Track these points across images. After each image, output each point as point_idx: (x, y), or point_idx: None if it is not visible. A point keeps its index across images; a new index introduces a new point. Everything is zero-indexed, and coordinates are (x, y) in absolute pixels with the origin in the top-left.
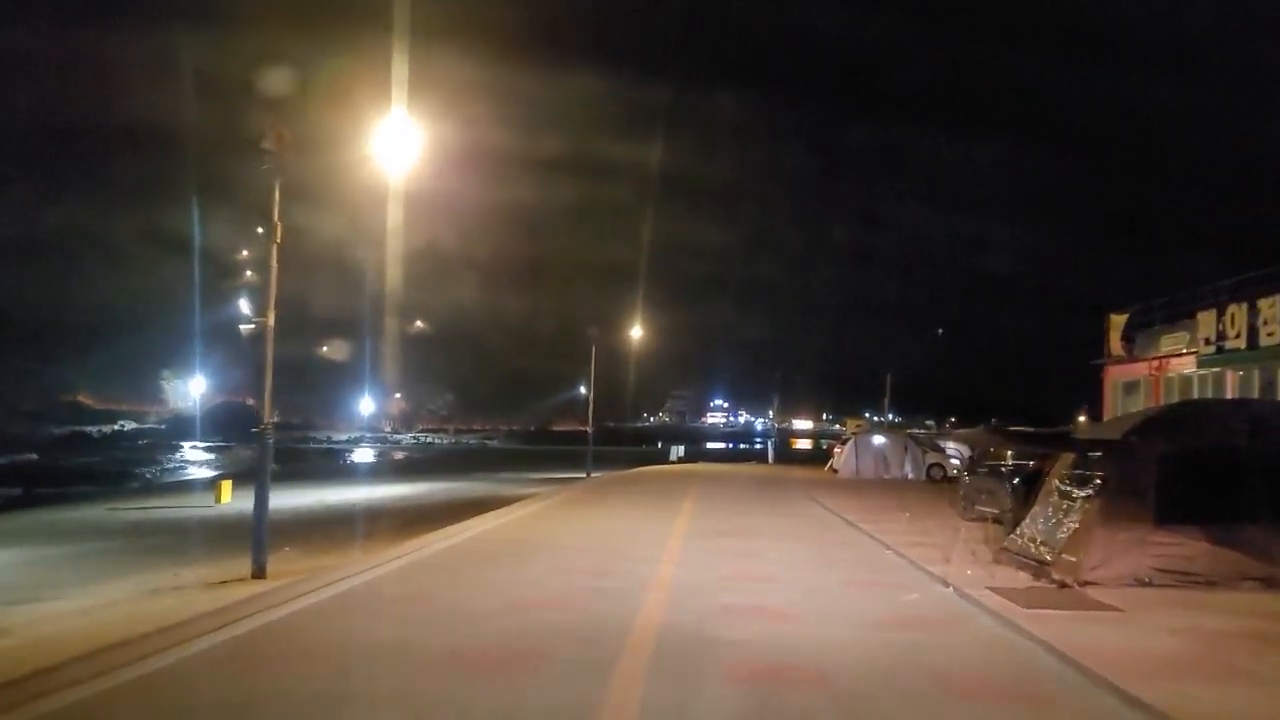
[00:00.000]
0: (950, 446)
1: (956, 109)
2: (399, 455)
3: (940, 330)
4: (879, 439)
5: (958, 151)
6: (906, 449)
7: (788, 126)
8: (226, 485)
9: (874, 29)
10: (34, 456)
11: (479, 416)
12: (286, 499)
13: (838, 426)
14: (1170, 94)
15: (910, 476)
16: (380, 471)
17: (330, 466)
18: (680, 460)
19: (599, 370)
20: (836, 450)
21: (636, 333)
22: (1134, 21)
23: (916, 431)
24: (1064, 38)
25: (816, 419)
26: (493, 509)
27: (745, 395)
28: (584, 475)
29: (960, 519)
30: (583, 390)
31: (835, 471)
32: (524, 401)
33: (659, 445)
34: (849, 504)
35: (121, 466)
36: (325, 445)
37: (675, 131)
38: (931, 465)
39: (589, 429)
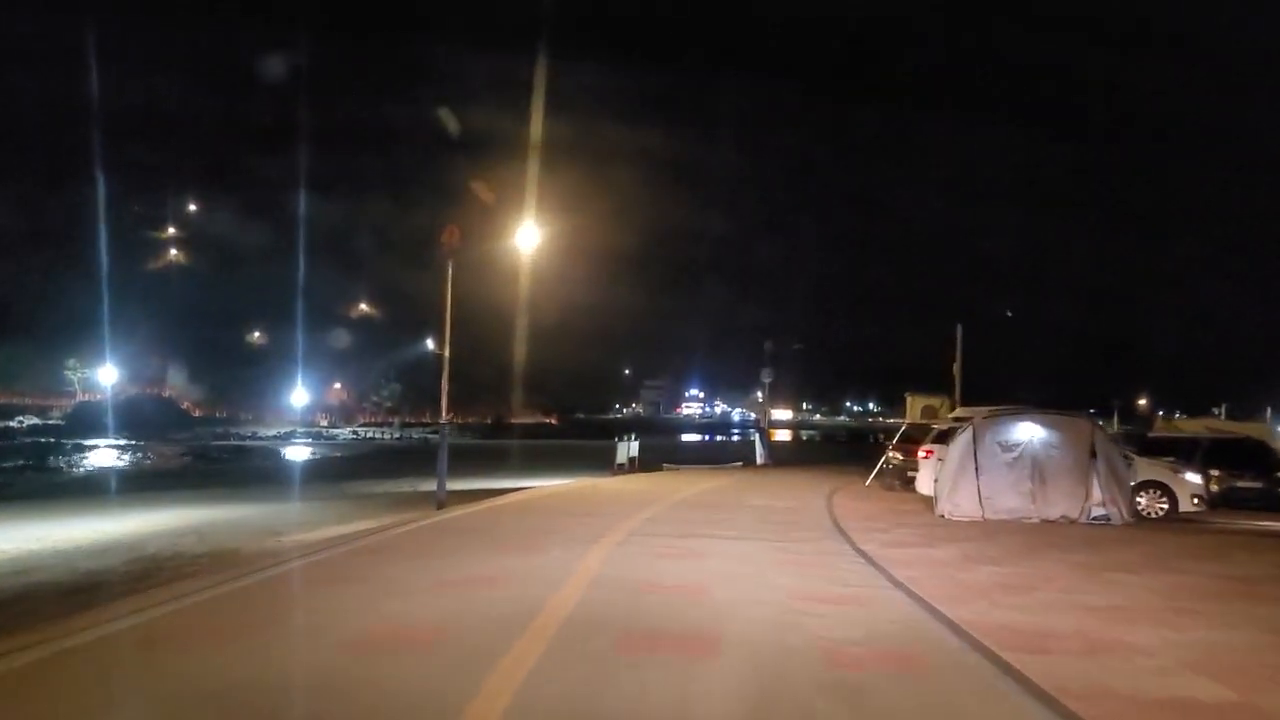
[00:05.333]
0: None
1: (963, 93)
2: (308, 454)
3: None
4: (1032, 430)
5: (963, 136)
6: (1095, 456)
7: (790, 110)
8: None
9: (880, 11)
10: None
11: (432, 407)
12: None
13: (817, 417)
14: (1175, 78)
15: (1101, 513)
16: (242, 481)
17: (206, 470)
18: (631, 463)
19: (575, 359)
20: (923, 454)
21: (529, 238)
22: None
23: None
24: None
25: (796, 409)
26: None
27: (722, 385)
28: (437, 492)
29: None
30: (429, 345)
31: (927, 495)
32: (477, 389)
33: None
34: None
35: None
36: (245, 443)
37: (674, 116)
38: (1145, 487)
39: (443, 419)
